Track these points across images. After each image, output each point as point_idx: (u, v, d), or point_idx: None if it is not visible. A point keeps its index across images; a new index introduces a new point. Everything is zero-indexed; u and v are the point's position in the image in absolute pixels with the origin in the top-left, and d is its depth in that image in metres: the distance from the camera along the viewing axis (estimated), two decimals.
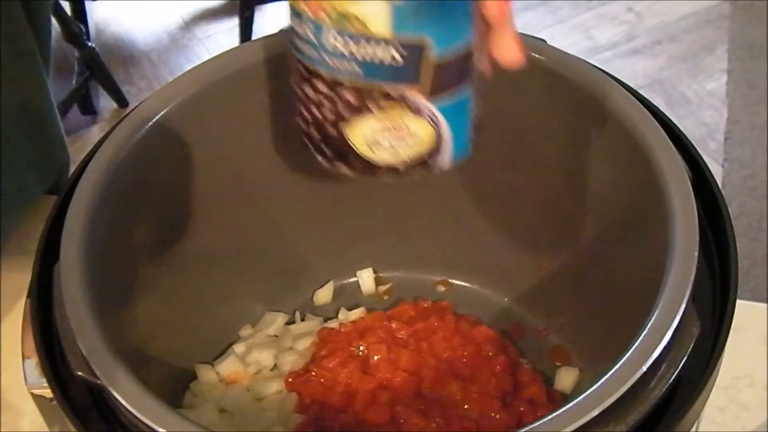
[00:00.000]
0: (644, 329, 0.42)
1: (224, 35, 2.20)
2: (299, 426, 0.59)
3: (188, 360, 0.63)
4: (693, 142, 0.53)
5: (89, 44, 1.87)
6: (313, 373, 0.61)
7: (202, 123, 0.56)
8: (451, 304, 0.66)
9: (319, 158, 0.46)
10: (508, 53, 0.43)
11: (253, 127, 0.58)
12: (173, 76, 0.62)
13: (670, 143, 0.50)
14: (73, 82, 1.87)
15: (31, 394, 0.45)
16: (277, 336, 0.66)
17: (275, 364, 0.64)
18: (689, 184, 0.48)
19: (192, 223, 0.59)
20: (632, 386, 0.41)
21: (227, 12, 2.26)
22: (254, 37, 2.02)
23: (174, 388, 0.62)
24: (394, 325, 0.63)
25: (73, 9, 1.95)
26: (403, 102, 0.43)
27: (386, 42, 0.41)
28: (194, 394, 0.62)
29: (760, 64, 2.00)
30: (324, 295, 0.69)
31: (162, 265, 0.58)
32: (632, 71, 2.01)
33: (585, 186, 0.57)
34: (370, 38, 0.41)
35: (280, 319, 0.66)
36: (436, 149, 0.45)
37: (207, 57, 0.57)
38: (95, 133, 1.93)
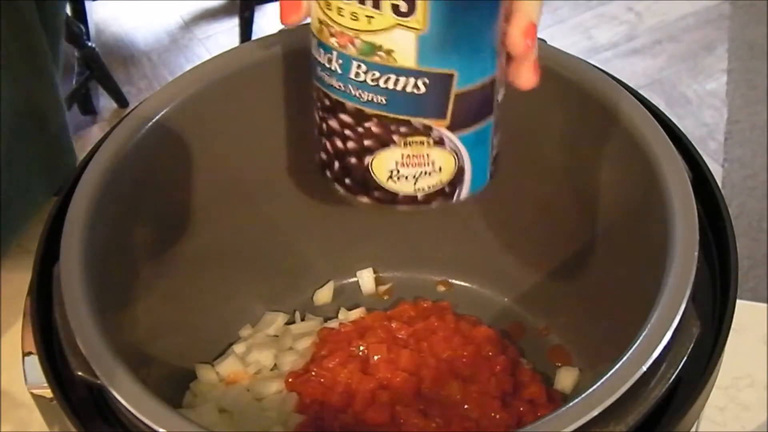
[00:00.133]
0: (644, 329, 0.42)
1: (224, 35, 2.20)
2: (299, 426, 0.59)
3: (188, 360, 0.63)
4: (693, 142, 0.53)
5: (89, 44, 1.87)
6: (313, 373, 0.61)
7: (202, 123, 0.56)
8: (451, 304, 0.66)
9: (339, 189, 0.47)
10: (527, 82, 0.44)
11: (253, 126, 0.58)
12: (173, 76, 0.62)
13: (670, 143, 0.50)
14: (73, 82, 1.87)
15: (31, 393, 0.45)
16: (277, 336, 0.66)
17: (275, 364, 0.64)
18: (689, 184, 0.48)
19: (192, 223, 0.59)
20: (632, 386, 0.41)
21: (227, 12, 2.26)
22: (254, 37, 2.02)
23: (174, 388, 0.62)
24: (394, 325, 0.63)
25: (73, 9, 1.95)
26: (427, 133, 0.43)
27: (412, 74, 0.41)
28: (194, 394, 0.62)
29: (760, 64, 2.01)
30: (324, 295, 0.69)
31: (162, 265, 0.58)
32: (632, 71, 2.01)
33: (585, 186, 0.57)
34: (396, 70, 0.41)
35: (280, 319, 0.66)
36: (456, 179, 0.45)
37: (207, 57, 0.57)
38: (95, 133, 1.93)
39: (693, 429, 0.45)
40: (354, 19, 0.41)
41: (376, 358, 0.60)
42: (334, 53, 0.42)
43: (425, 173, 0.44)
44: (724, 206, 0.50)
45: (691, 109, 1.94)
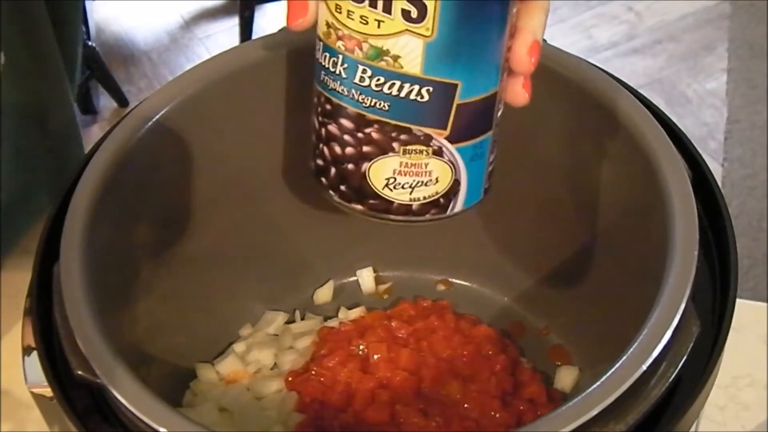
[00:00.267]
0: (644, 329, 0.42)
1: (224, 35, 2.20)
2: (299, 425, 0.59)
3: (188, 359, 0.63)
4: (693, 142, 0.53)
5: (89, 44, 1.88)
6: (313, 372, 0.61)
7: (203, 123, 0.56)
8: (451, 303, 0.66)
9: (333, 196, 0.46)
10: (521, 98, 0.45)
11: (253, 126, 0.58)
12: (173, 75, 0.62)
13: (670, 143, 0.50)
14: None
15: (32, 393, 0.45)
16: (277, 335, 0.66)
17: (275, 363, 0.64)
18: (689, 183, 0.48)
19: (192, 223, 0.59)
20: (632, 385, 0.41)
21: (227, 11, 2.26)
22: (254, 36, 2.02)
23: (174, 387, 0.62)
24: (394, 324, 0.63)
25: None
26: (426, 143, 0.43)
27: (417, 81, 0.41)
28: (194, 393, 0.62)
29: (760, 64, 2.01)
30: (324, 294, 0.69)
31: (162, 264, 0.58)
32: (632, 71, 2.01)
33: (585, 185, 0.57)
34: (401, 76, 0.41)
35: (280, 318, 0.67)
36: (451, 192, 0.45)
37: (207, 56, 0.57)
38: (95, 132, 1.93)
39: (693, 428, 0.45)
40: (363, 23, 0.41)
41: (376, 357, 0.61)
42: (340, 57, 0.42)
43: (422, 183, 0.44)
44: (724, 206, 0.50)
45: (691, 108, 1.94)
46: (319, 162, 0.46)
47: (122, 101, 1.99)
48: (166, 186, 0.56)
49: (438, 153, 0.44)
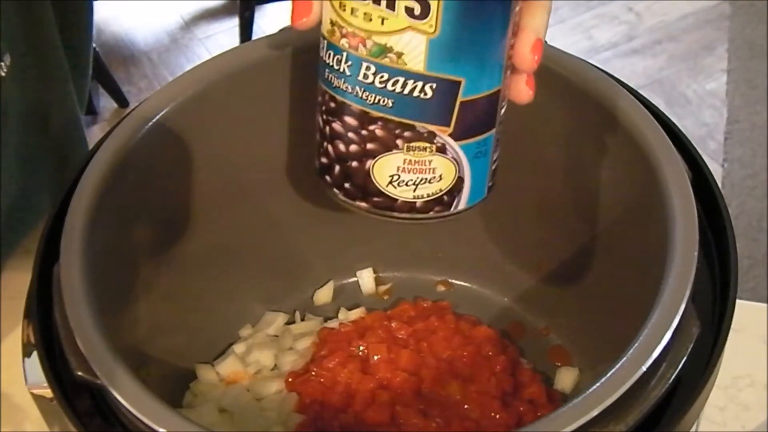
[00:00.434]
0: (644, 329, 0.42)
1: (224, 35, 2.20)
2: (299, 426, 0.59)
3: (188, 360, 0.63)
4: (693, 142, 0.53)
5: None
6: (313, 373, 0.61)
7: (203, 123, 0.56)
8: (451, 303, 0.66)
9: (337, 194, 0.47)
10: (525, 96, 0.45)
11: (253, 126, 0.58)
12: (173, 76, 0.62)
13: (670, 143, 0.50)
14: None
15: (32, 394, 0.45)
16: (277, 336, 0.66)
17: (275, 364, 0.64)
18: (689, 184, 0.48)
19: (192, 223, 0.59)
20: (632, 386, 0.41)
21: (227, 12, 2.26)
22: (254, 37, 2.03)
23: (174, 387, 0.62)
24: (394, 325, 0.63)
25: None
26: (430, 139, 0.43)
27: (420, 78, 0.42)
28: (194, 393, 0.62)
29: (760, 64, 2.01)
30: (324, 294, 0.69)
31: (162, 265, 0.58)
32: (632, 71, 2.02)
33: (584, 186, 0.57)
34: (405, 73, 0.42)
35: (280, 318, 0.67)
36: (455, 189, 0.45)
37: (207, 57, 0.57)
38: (95, 133, 1.93)
39: (693, 429, 0.45)
40: (367, 20, 0.41)
41: (376, 358, 0.61)
42: (344, 54, 0.42)
43: (425, 180, 0.45)
44: (724, 206, 0.50)
45: (690, 108, 1.94)
46: (324, 160, 0.46)
47: (122, 102, 1.99)
48: (166, 186, 0.56)
49: (442, 150, 0.44)
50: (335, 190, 0.47)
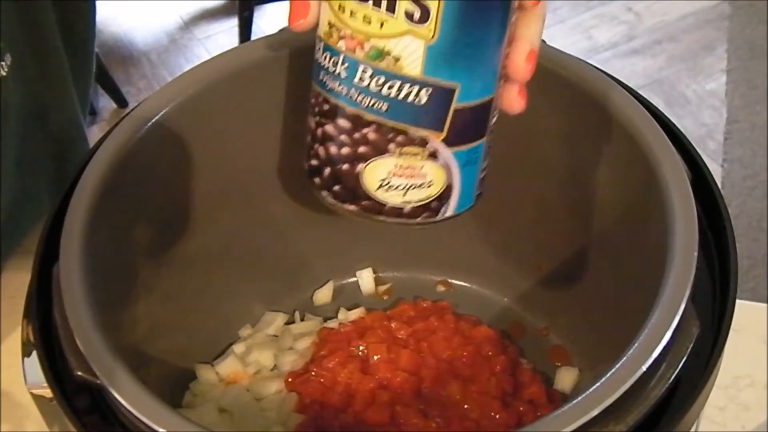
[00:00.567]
0: (644, 329, 0.42)
1: (224, 35, 2.20)
2: (299, 426, 0.59)
3: (188, 360, 0.63)
4: (692, 142, 0.53)
5: None
6: (313, 373, 0.61)
7: (202, 123, 0.56)
8: (451, 304, 0.66)
9: (326, 196, 0.47)
10: (517, 106, 0.45)
11: (253, 127, 0.58)
12: (173, 76, 0.63)
13: (670, 143, 0.50)
14: None
15: (31, 394, 0.45)
16: (276, 336, 0.66)
17: (275, 364, 0.64)
18: (689, 184, 0.48)
19: (192, 223, 0.59)
20: (632, 386, 0.41)
21: (227, 12, 2.26)
22: (254, 37, 2.03)
23: (174, 387, 0.62)
24: (393, 325, 0.63)
25: None
26: (422, 145, 0.44)
27: (416, 83, 0.42)
28: (194, 394, 0.62)
29: (759, 64, 2.01)
30: (324, 294, 0.69)
31: (162, 265, 0.58)
32: (632, 71, 2.02)
33: (584, 186, 0.57)
34: (401, 77, 0.42)
35: (280, 319, 0.67)
36: (444, 196, 0.46)
37: (206, 57, 0.57)
38: (95, 133, 1.93)
39: (693, 429, 0.45)
40: (366, 23, 0.41)
41: (375, 358, 0.60)
42: (341, 56, 0.43)
43: (415, 186, 0.45)
44: (724, 206, 0.50)
45: (690, 109, 1.94)
46: (314, 162, 0.47)
47: (121, 102, 1.99)
48: (166, 186, 0.56)
49: (433, 156, 0.44)
50: (324, 192, 0.47)
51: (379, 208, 0.45)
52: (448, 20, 0.40)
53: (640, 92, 0.54)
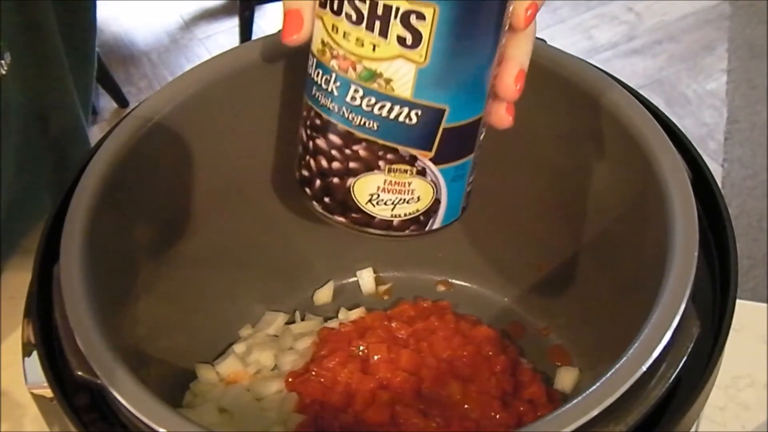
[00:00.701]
0: (644, 329, 0.42)
1: (224, 35, 2.20)
2: (299, 426, 0.59)
3: (188, 360, 0.63)
4: (693, 142, 0.53)
5: None
6: (313, 373, 0.61)
7: (203, 123, 0.56)
8: (451, 303, 0.66)
9: (317, 206, 0.47)
10: (505, 122, 0.46)
11: (253, 126, 0.58)
12: (173, 75, 0.63)
13: (670, 143, 0.50)
14: None
15: (31, 393, 0.45)
16: (277, 336, 0.66)
17: (275, 364, 0.64)
18: (689, 184, 0.48)
19: (192, 223, 0.59)
20: (632, 386, 0.41)
21: (227, 12, 2.26)
22: (254, 37, 2.03)
23: (174, 387, 0.62)
24: (394, 325, 0.63)
25: None
26: (411, 163, 0.44)
27: (407, 104, 0.42)
28: (194, 393, 0.62)
29: (760, 64, 2.01)
30: (324, 294, 0.69)
31: (162, 265, 0.58)
32: (632, 71, 2.02)
33: (584, 186, 0.57)
34: (392, 98, 0.42)
35: (280, 318, 0.67)
36: (431, 210, 0.46)
37: (207, 57, 0.57)
38: (95, 133, 1.92)
39: (693, 429, 0.45)
40: (359, 45, 0.41)
41: (376, 357, 0.60)
42: (333, 75, 0.43)
43: (404, 201, 0.45)
44: (724, 206, 0.50)
45: (690, 108, 1.94)
46: (305, 173, 0.47)
47: (122, 102, 1.99)
48: (166, 186, 0.56)
49: (421, 173, 0.45)
50: (314, 202, 0.47)
51: (368, 220, 0.46)
52: (439, 46, 0.41)
53: (641, 92, 0.54)
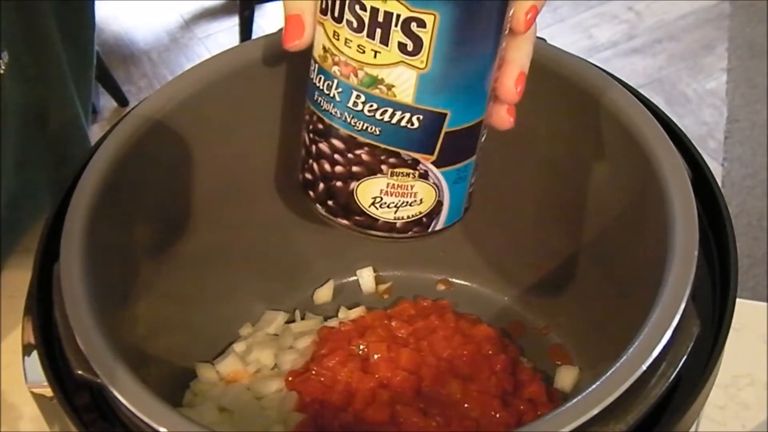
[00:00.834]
0: (644, 328, 0.42)
1: (224, 34, 2.20)
2: (299, 425, 0.59)
3: (188, 359, 0.63)
4: (693, 141, 0.53)
5: None
6: (313, 372, 0.61)
7: (203, 122, 0.56)
8: (451, 302, 0.66)
9: (320, 209, 0.48)
10: (506, 123, 0.46)
11: (253, 125, 0.58)
12: (173, 75, 0.62)
13: (670, 142, 0.50)
14: None
15: (31, 392, 0.45)
16: (277, 335, 0.66)
17: (275, 363, 0.64)
18: (689, 183, 0.48)
19: (192, 223, 0.59)
20: (632, 385, 0.41)
21: (227, 11, 2.26)
22: (254, 36, 2.03)
23: (174, 386, 0.62)
24: (394, 324, 0.63)
25: None
26: (414, 166, 0.45)
27: (408, 109, 0.43)
28: (194, 393, 0.62)
29: (759, 63, 2.01)
30: (324, 293, 0.69)
31: (162, 264, 0.58)
32: (632, 70, 2.02)
33: (584, 185, 0.57)
34: (394, 104, 0.42)
35: (281, 317, 0.67)
36: (434, 212, 0.47)
37: (207, 56, 0.57)
38: (95, 132, 1.92)
39: (693, 428, 0.45)
40: (360, 52, 0.41)
41: (376, 356, 0.61)
42: (335, 81, 0.43)
43: (407, 203, 0.46)
44: (724, 205, 0.50)
45: (690, 108, 1.94)
46: (308, 176, 0.47)
47: (122, 101, 1.99)
48: (166, 185, 0.56)
49: (424, 176, 0.45)
50: (318, 205, 0.48)
51: (371, 223, 0.46)
52: (440, 52, 0.41)
53: (641, 91, 0.54)
